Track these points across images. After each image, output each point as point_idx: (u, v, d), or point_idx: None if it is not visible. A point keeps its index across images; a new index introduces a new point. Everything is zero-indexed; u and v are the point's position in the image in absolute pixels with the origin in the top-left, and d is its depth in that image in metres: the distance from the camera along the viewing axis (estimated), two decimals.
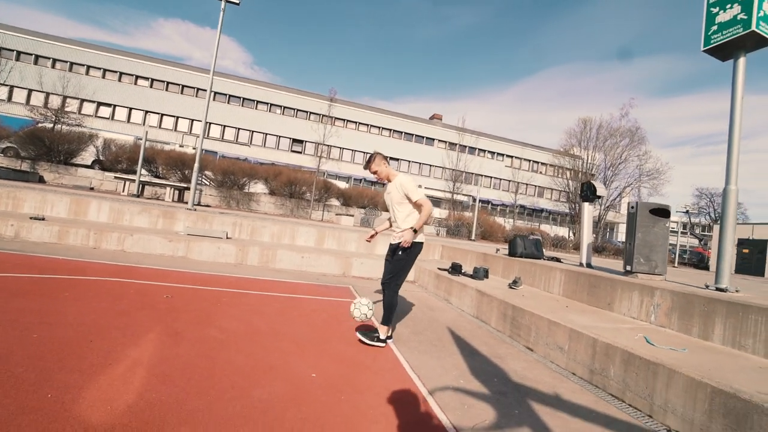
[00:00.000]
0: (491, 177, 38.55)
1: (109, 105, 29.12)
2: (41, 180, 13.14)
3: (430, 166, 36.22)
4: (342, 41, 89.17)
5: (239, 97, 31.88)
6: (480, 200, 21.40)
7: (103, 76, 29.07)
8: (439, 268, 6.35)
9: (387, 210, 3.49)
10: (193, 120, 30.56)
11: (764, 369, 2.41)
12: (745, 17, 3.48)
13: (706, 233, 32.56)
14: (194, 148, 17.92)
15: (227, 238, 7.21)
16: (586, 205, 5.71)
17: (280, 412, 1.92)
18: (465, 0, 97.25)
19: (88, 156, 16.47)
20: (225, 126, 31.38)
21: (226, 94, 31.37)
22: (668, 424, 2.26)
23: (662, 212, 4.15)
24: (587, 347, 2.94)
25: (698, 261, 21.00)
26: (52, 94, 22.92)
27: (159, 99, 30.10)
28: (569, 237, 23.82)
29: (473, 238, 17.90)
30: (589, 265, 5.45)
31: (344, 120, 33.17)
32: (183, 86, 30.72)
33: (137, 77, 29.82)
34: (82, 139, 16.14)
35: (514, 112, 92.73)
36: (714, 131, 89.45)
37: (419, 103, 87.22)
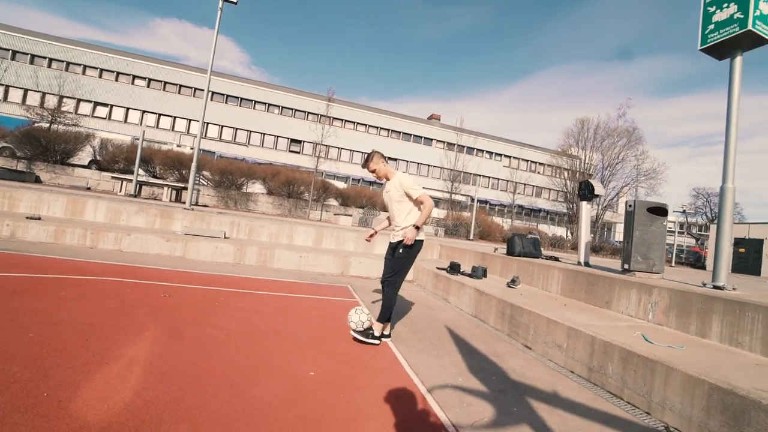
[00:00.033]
0: (489, 177, 38.62)
1: (105, 105, 29.00)
2: (37, 180, 13.07)
3: (429, 166, 36.25)
4: (340, 41, 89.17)
5: (237, 97, 31.82)
6: (478, 200, 21.42)
7: (100, 76, 28.95)
8: (437, 268, 6.35)
9: (385, 210, 3.48)
10: (190, 120, 30.47)
11: (761, 366, 2.42)
12: (742, 16, 3.50)
13: (702, 233, 32.73)
14: (192, 148, 17.90)
15: (225, 237, 7.18)
16: (584, 204, 5.72)
17: (277, 410, 1.92)
18: (464, 0, 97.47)
19: (84, 156, 16.37)
20: (223, 126, 31.31)
21: (223, 94, 31.30)
22: (666, 421, 2.26)
23: (660, 211, 4.16)
24: (585, 345, 2.94)
25: (695, 260, 21.10)
26: (48, 93, 22.80)
27: (156, 99, 30.00)
28: (567, 237, 23.88)
29: (471, 237, 17.92)
30: (587, 264, 5.46)
31: (342, 120, 33.16)
32: (180, 86, 30.63)
33: (134, 77, 29.72)
34: (79, 139, 16.03)
35: (514, 112, 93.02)
36: (711, 132, 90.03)
37: (418, 103, 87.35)
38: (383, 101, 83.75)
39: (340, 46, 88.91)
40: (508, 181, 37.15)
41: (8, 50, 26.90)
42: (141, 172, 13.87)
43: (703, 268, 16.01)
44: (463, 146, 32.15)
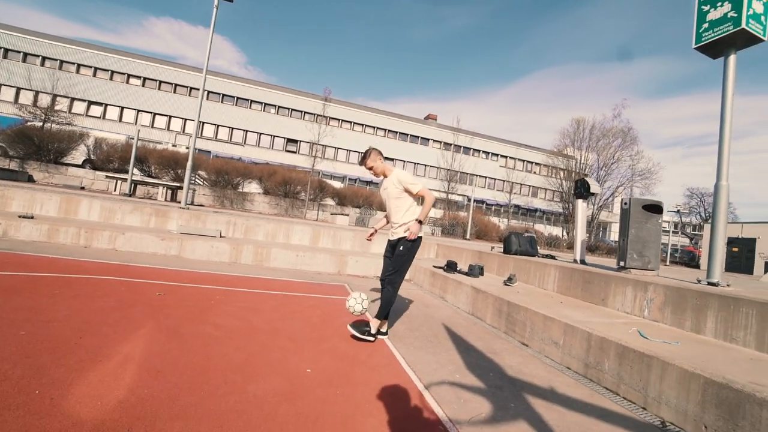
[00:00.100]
0: (486, 177, 38.74)
1: (100, 104, 28.74)
2: (30, 179, 12.91)
3: (425, 166, 36.30)
4: (336, 41, 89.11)
5: (233, 97, 31.67)
6: (475, 200, 21.48)
7: (94, 75, 28.69)
8: (434, 266, 6.36)
9: (382, 209, 3.48)
10: (186, 119, 30.29)
11: (755, 360, 2.44)
12: (735, 15, 3.53)
13: (696, 232, 33.01)
14: (187, 148, 17.77)
15: (221, 236, 7.14)
16: (579, 202, 5.75)
17: (274, 407, 1.90)
18: (461, 1, 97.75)
19: (78, 155, 16.23)
20: (219, 125, 31.15)
21: (219, 94, 31.14)
22: (662, 416, 2.27)
23: (655, 208, 4.19)
24: (582, 341, 2.95)
25: (689, 260, 21.27)
26: (42, 92, 22.56)
27: (151, 98, 29.78)
28: (563, 236, 24.02)
29: (468, 237, 17.96)
30: (583, 262, 5.49)
31: (339, 120, 33.12)
32: (176, 85, 30.43)
33: (129, 76, 29.48)
34: (73, 138, 15.89)
35: (511, 112, 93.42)
36: (705, 132, 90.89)
37: (414, 103, 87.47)
38: (380, 101, 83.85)
39: (337, 46, 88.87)
40: (504, 181, 37.31)
41: (0, 48, 26.58)
42: (136, 171, 13.76)
43: (698, 267, 16.17)
44: (460, 146, 32.25)
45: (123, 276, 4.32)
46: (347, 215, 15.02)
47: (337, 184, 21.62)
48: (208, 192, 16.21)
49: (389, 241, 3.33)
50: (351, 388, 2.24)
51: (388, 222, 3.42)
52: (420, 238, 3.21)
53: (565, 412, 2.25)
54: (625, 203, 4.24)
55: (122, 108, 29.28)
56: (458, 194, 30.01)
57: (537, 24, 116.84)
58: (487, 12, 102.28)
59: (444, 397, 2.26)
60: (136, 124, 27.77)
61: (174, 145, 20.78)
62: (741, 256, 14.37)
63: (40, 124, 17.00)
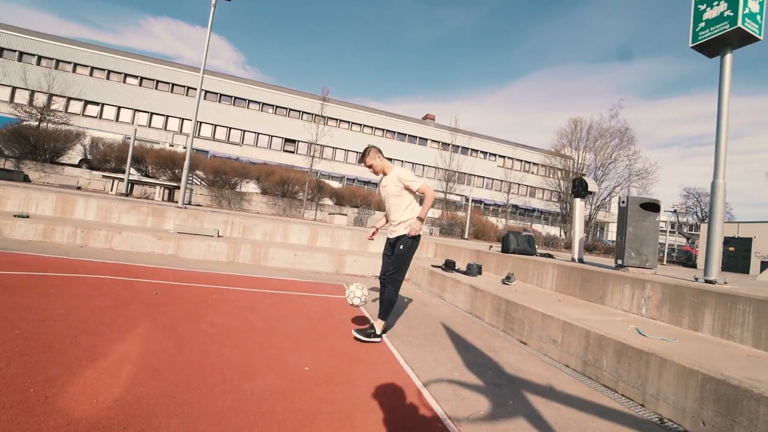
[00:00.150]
0: (484, 177, 38.80)
1: (96, 103, 28.58)
2: (26, 179, 12.82)
3: (423, 165, 36.31)
4: (334, 42, 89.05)
5: (230, 96, 31.58)
6: (473, 200, 21.51)
7: (91, 74, 28.53)
8: (432, 265, 6.35)
9: (381, 209, 3.48)
10: (183, 119, 30.16)
11: (752, 357, 2.45)
12: (731, 14, 3.55)
13: (693, 232, 33.20)
14: (184, 147, 17.69)
15: (218, 236, 7.11)
16: (577, 201, 5.76)
17: (272, 405, 1.89)
18: (459, 1, 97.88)
19: (75, 155, 16.11)
20: (216, 125, 31.04)
21: (217, 93, 31.04)
22: (660, 413, 2.28)
23: (652, 207, 4.21)
24: (580, 339, 2.95)
25: (686, 259, 21.37)
26: (38, 92, 22.42)
27: (148, 97, 29.65)
28: (561, 236, 24.08)
29: (466, 237, 17.98)
30: (581, 261, 5.50)
31: (337, 120, 33.09)
32: (173, 85, 30.31)
33: (126, 75, 29.33)
34: (69, 138, 15.77)
35: (509, 112, 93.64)
36: (702, 133, 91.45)
37: (412, 103, 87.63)
38: (378, 101, 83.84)
39: (335, 46, 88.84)
40: (502, 181, 37.37)
41: None
42: (133, 171, 13.69)
43: (694, 266, 16.24)
44: (458, 146, 32.31)
45: (119, 275, 4.29)
46: (345, 215, 15.00)
47: (335, 184, 21.56)
48: (205, 192, 16.15)
49: (388, 239, 3.32)
50: (349, 386, 2.23)
51: (387, 221, 3.41)
52: (419, 236, 3.21)
53: (563, 409, 2.25)
54: (623, 201, 4.25)
55: (119, 107, 29.13)
56: (456, 194, 30.05)
57: (536, 24, 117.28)
58: (486, 12, 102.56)
59: (442, 395, 2.25)
60: (132, 123, 27.63)
61: (171, 145, 20.69)
62: (737, 256, 14.45)
63: (36, 123, 16.88)
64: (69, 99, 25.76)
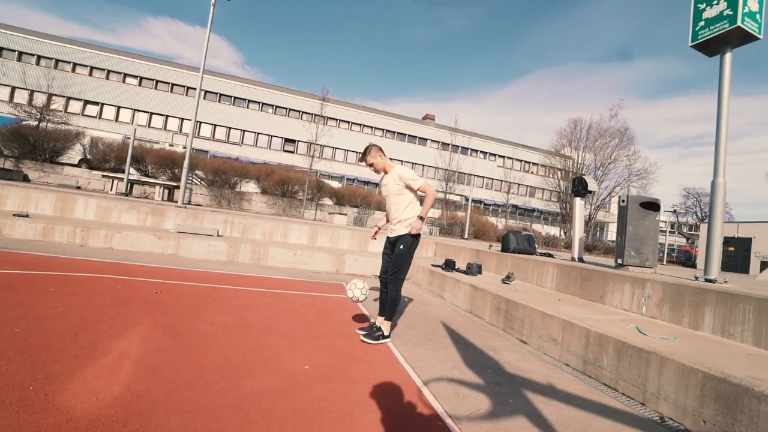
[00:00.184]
0: (483, 177, 38.80)
1: (96, 103, 28.56)
2: (26, 178, 12.81)
3: (423, 165, 36.30)
4: (334, 42, 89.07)
5: (230, 96, 31.56)
6: (472, 200, 21.51)
7: (90, 74, 28.51)
8: (432, 265, 6.35)
9: (381, 209, 3.47)
10: (183, 119, 30.14)
11: (753, 355, 2.45)
12: (731, 13, 3.55)
13: (693, 232, 33.21)
14: (184, 147, 17.69)
15: (218, 235, 7.11)
16: (577, 200, 5.76)
17: (271, 403, 1.89)
18: (459, 1, 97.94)
19: (74, 154, 16.09)
20: (216, 125, 31.03)
21: (216, 93, 31.03)
22: (661, 411, 2.27)
23: (652, 206, 4.21)
24: (580, 338, 2.95)
25: (686, 259, 21.38)
26: (37, 91, 22.38)
27: (148, 97, 29.63)
28: (560, 236, 24.08)
29: (466, 236, 17.97)
30: (581, 260, 5.50)
31: (337, 120, 33.08)
32: (173, 84, 30.29)
33: (125, 75, 29.31)
34: (69, 137, 15.76)
35: (509, 113, 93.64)
36: (701, 133, 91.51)
37: (412, 103, 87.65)
38: (378, 101, 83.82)
39: (335, 46, 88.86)
40: (502, 180, 37.37)
41: None
42: (132, 171, 13.68)
43: (694, 266, 16.24)
44: (458, 146, 32.30)
45: (119, 274, 4.28)
46: (345, 215, 15.00)
47: (335, 184, 21.55)
48: (205, 191, 16.14)
49: (388, 238, 3.32)
50: (349, 385, 2.23)
51: (388, 221, 3.41)
52: (419, 235, 3.20)
53: (563, 407, 2.24)
54: (623, 200, 4.25)
55: (119, 107, 29.10)
56: (456, 194, 30.04)
57: (536, 24, 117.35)
58: (486, 12, 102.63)
59: (443, 393, 2.25)
60: (132, 123, 27.61)
61: (171, 145, 20.67)
62: (737, 256, 14.45)
63: (36, 123, 16.87)
64: (68, 99, 25.73)
